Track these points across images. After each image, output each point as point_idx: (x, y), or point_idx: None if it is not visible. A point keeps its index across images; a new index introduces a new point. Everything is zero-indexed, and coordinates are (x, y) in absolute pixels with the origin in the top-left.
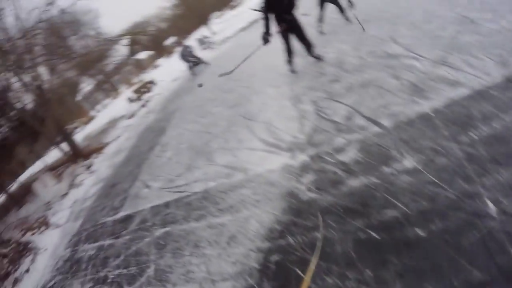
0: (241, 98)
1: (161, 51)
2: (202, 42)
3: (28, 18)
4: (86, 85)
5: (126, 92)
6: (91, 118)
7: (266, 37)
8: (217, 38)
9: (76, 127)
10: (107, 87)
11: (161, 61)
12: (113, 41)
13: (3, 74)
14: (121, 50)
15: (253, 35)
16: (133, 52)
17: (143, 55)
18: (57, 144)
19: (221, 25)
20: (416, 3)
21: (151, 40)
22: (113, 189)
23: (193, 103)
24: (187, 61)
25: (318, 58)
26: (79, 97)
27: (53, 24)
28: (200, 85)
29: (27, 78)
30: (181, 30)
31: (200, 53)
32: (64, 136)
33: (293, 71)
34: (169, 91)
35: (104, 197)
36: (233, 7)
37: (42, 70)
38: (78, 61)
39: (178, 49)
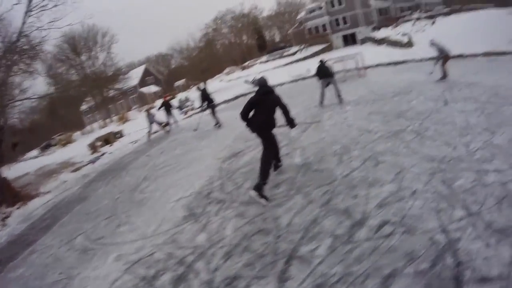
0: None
1: (171, 90)
2: (182, 104)
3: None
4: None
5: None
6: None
7: (249, 127)
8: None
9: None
10: (103, 112)
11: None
12: (121, 68)
13: None
14: (132, 78)
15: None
16: (143, 83)
17: (151, 89)
18: None
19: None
20: None
21: (164, 76)
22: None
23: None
24: (150, 123)
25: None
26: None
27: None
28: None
29: None
30: (193, 75)
31: (173, 116)
32: None
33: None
34: (119, 155)
35: None
36: (244, 68)
37: None
38: (85, 79)
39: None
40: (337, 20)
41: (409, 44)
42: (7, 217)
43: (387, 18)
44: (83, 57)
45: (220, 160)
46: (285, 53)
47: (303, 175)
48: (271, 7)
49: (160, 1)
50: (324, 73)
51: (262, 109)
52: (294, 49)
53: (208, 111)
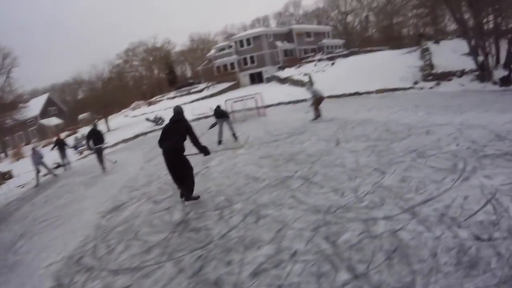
0: None
1: (75, 123)
2: (78, 142)
3: None
4: None
5: None
6: None
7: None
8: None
9: None
10: None
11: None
12: (22, 95)
13: None
14: (33, 108)
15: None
16: (44, 114)
17: (52, 121)
18: None
19: (122, 122)
20: None
21: (68, 108)
22: None
23: None
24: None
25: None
26: None
27: None
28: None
29: None
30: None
31: (66, 156)
32: None
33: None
34: (2, 202)
35: None
36: (150, 103)
37: None
38: None
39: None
40: (245, 59)
41: (310, 83)
42: None
43: (292, 59)
44: None
45: (100, 214)
46: (193, 90)
47: (179, 235)
48: (183, 43)
49: (75, 23)
50: (219, 114)
51: (172, 135)
52: (202, 86)
53: (94, 154)
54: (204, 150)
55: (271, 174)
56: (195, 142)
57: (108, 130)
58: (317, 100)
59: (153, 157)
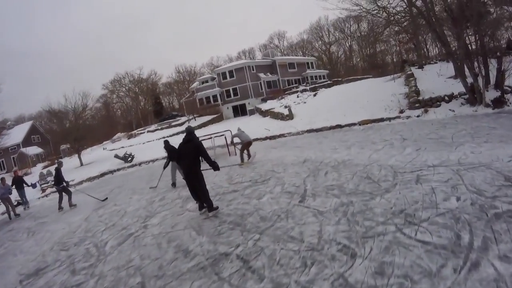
0: None
1: (58, 153)
2: (42, 178)
3: None
4: None
5: None
6: None
7: None
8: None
9: None
10: None
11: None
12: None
13: None
14: (16, 135)
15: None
16: (27, 142)
17: (34, 150)
18: None
19: (97, 156)
20: None
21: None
22: None
23: None
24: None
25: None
26: None
27: None
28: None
29: None
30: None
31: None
32: None
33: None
34: None
35: None
36: (131, 136)
37: None
38: None
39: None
40: (228, 91)
41: (290, 116)
42: None
43: (275, 90)
44: None
45: (20, 277)
46: (174, 123)
47: None
48: (170, 74)
49: (66, 51)
50: (171, 152)
51: (186, 155)
52: (184, 118)
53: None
54: (214, 166)
55: (206, 248)
56: (206, 158)
57: (81, 165)
58: (245, 144)
59: (105, 204)
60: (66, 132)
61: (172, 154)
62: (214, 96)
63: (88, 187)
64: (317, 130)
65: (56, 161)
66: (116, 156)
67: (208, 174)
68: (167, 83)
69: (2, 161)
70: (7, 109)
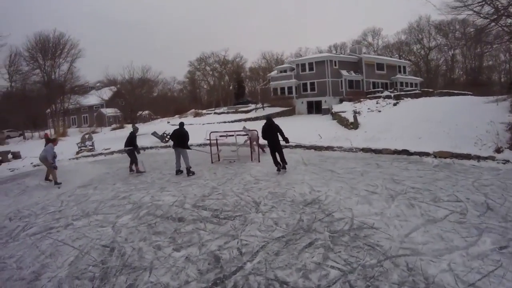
0: None
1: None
2: (83, 141)
3: None
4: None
5: None
6: None
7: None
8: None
9: None
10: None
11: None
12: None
13: None
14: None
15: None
16: (109, 104)
17: (112, 111)
18: None
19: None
20: None
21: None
22: None
23: None
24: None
25: None
26: None
27: None
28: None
29: None
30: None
31: None
32: None
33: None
34: None
35: None
36: (197, 115)
37: None
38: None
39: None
40: (305, 85)
41: (354, 125)
42: None
43: (356, 92)
44: (48, 63)
45: None
46: (241, 109)
47: None
48: (255, 60)
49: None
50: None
51: (271, 133)
52: (252, 106)
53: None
54: (286, 140)
55: None
56: (282, 135)
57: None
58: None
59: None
60: (127, 101)
61: (180, 139)
62: (290, 88)
63: (105, 160)
64: (375, 151)
65: (132, 126)
66: (154, 134)
67: (196, 189)
68: (252, 67)
69: (86, 116)
70: (92, 72)
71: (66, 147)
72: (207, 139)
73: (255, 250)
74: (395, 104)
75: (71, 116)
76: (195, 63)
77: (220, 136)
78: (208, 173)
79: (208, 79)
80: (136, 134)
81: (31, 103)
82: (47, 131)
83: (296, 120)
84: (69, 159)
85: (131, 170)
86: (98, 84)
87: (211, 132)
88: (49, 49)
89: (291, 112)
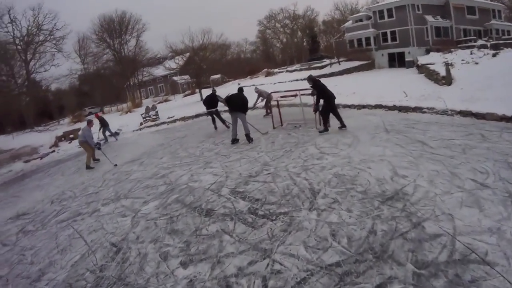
0: None
1: (207, 83)
2: (147, 111)
3: None
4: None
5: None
6: None
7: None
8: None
9: None
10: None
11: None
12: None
13: None
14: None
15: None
16: (183, 71)
17: (184, 79)
18: None
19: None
20: None
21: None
22: None
23: None
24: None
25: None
26: None
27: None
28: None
29: None
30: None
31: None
32: None
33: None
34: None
35: None
36: (268, 74)
37: None
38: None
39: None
40: (384, 34)
41: (447, 80)
42: None
43: (444, 40)
44: (116, 41)
45: None
46: (314, 65)
47: None
48: (327, 12)
49: None
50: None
51: (324, 93)
52: (327, 61)
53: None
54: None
55: None
56: (318, 97)
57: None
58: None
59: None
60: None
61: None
62: (367, 39)
63: (166, 129)
64: (477, 116)
65: (212, 88)
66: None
67: (243, 163)
68: (325, 21)
69: (161, 86)
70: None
71: (132, 119)
72: (258, 103)
73: (288, 287)
74: (494, 55)
75: (148, 87)
76: (264, 21)
77: (281, 96)
78: (265, 142)
79: (280, 36)
80: (216, 94)
81: (105, 81)
82: (99, 112)
83: (376, 74)
84: (133, 131)
85: (216, 128)
86: (170, 54)
87: (272, 92)
88: (115, 28)
89: (370, 66)
